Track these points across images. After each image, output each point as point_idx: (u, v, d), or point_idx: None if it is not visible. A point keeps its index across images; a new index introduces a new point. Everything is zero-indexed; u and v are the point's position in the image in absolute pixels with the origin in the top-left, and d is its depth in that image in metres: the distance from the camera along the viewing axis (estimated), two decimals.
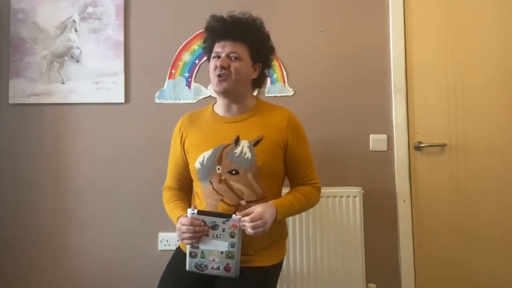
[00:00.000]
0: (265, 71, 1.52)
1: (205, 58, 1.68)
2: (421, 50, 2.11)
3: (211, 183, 1.40)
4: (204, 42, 1.52)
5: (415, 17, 2.12)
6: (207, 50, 1.50)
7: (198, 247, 1.32)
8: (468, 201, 2.08)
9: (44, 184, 2.08)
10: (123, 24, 2.10)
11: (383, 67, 2.09)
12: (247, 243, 1.33)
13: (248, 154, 1.38)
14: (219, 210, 1.37)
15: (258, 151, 1.38)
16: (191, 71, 2.10)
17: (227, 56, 1.40)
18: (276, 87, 2.08)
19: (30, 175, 2.08)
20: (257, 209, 1.29)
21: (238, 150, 1.39)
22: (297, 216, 1.85)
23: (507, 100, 2.10)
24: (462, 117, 2.10)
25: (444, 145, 2.09)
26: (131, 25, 2.12)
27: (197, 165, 1.41)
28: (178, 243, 1.53)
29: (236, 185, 1.38)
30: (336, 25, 2.11)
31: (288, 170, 1.48)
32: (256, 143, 1.39)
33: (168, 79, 2.10)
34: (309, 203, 1.45)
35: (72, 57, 2.10)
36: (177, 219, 1.36)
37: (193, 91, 2.09)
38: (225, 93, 1.42)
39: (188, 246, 1.33)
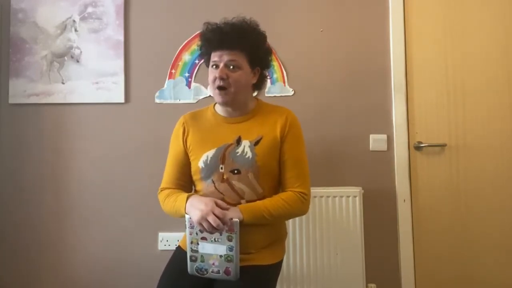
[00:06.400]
0: (264, 72, 1.51)
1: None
2: (421, 50, 2.11)
3: (213, 182, 1.40)
4: (200, 49, 1.50)
5: (415, 17, 2.12)
6: (204, 55, 1.49)
7: (197, 251, 1.32)
8: (468, 201, 2.08)
9: (44, 184, 2.08)
10: (123, 24, 2.10)
11: (383, 67, 2.09)
12: (247, 242, 1.33)
13: (249, 154, 1.39)
14: None
15: (258, 151, 1.39)
16: (191, 71, 2.10)
17: (225, 65, 1.39)
18: (276, 87, 2.08)
19: (30, 175, 2.08)
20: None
21: (240, 150, 1.40)
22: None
23: (507, 100, 2.10)
24: (462, 117, 2.10)
25: (444, 145, 2.09)
26: (131, 25, 2.12)
27: (201, 164, 1.42)
28: (178, 243, 1.53)
29: (237, 184, 1.38)
30: (336, 25, 2.11)
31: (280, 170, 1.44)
32: (257, 143, 1.40)
33: (168, 79, 2.10)
34: (288, 209, 1.37)
35: (72, 57, 2.10)
36: (187, 198, 1.35)
37: (193, 91, 2.09)
38: (226, 104, 1.44)
39: (188, 250, 1.33)
